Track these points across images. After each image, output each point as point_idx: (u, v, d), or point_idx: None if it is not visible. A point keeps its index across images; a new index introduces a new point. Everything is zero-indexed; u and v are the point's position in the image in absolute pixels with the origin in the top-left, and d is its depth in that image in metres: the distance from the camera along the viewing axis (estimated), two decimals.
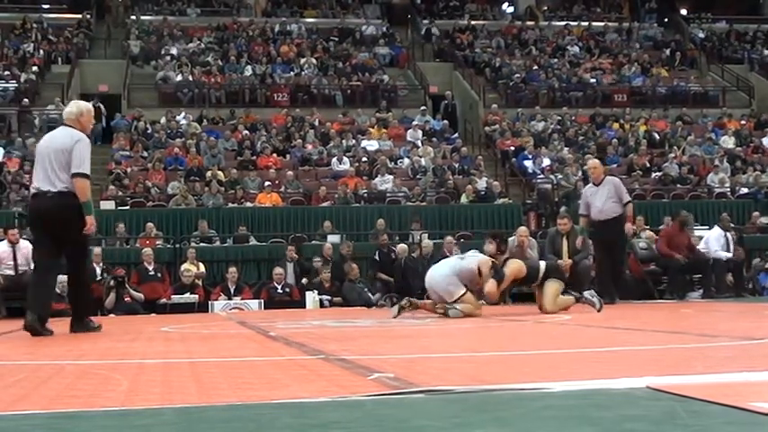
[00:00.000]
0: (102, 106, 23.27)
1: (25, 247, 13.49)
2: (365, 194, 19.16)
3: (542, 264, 9.78)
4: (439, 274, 9.01)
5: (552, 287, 9.33)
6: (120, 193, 18.49)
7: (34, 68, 24.95)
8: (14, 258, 13.16)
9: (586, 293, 9.51)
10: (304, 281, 14.90)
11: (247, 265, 16.11)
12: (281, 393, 2.66)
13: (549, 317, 8.38)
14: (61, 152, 7.05)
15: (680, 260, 13.98)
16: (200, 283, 14.65)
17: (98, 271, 14.45)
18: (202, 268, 15.10)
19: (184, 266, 14.75)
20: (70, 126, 7.33)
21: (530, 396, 2.45)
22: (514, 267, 9.23)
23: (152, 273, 14.62)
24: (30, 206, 7.39)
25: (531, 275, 9.32)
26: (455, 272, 8.91)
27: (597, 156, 21.77)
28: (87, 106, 7.57)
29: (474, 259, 9.07)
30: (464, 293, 8.75)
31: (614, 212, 11.39)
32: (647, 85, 27.33)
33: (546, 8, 33.91)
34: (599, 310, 9.06)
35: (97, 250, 14.95)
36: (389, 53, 28.44)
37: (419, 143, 22.32)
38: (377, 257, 15.40)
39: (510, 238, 14.10)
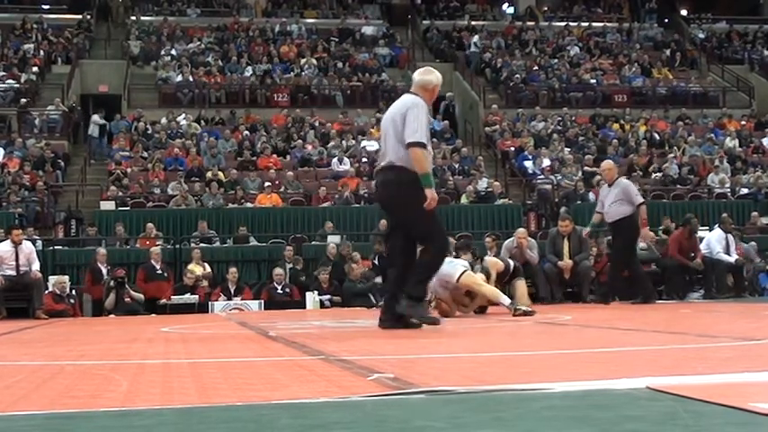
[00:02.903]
0: (105, 122, 23.21)
1: (28, 248, 13.50)
2: (365, 195, 19.16)
3: (511, 262, 10.39)
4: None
5: (523, 285, 9.97)
6: (121, 194, 18.50)
7: (34, 69, 24.95)
8: (16, 259, 13.16)
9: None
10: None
11: (247, 266, 16.11)
12: (281, 394, 2.66)
13: (550, 317, 8.38)
14: (392, 121, 6.25)
15: (698, 266, 14.06)
16: (205, 283, 14.67)
17: (104, 271, 14.46)
18: (208, 269, 15.11)
19: (191, 267, 14.80)
20: (413, 93, 6.44)
21: (530, 396, 2.45)
22: (492, 262, 9.96)
23: (159, 272, 14.66)
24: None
25: (507, 268, 10.03)
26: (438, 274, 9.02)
27: (597, 156, 21.82)
28: (441, 79, 6.65)
29: (458, 269, 9.03)
30: (464, 272, 8.96)
31: (620, 214, 11.36)
32: (648, 86, 27.33)
33: (546, 9, 33.90)
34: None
35: (102, 251, 14.98)
36: (390, 53, 28.43)
37: None
38: (376, 262, 15.37)
39: (509, 239, 14.13)
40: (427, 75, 6.54)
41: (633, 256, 11.90)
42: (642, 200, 11.60)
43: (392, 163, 6.19)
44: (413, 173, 6.11)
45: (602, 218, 11.81)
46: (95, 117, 23.26)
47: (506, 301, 8.94)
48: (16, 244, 13.22)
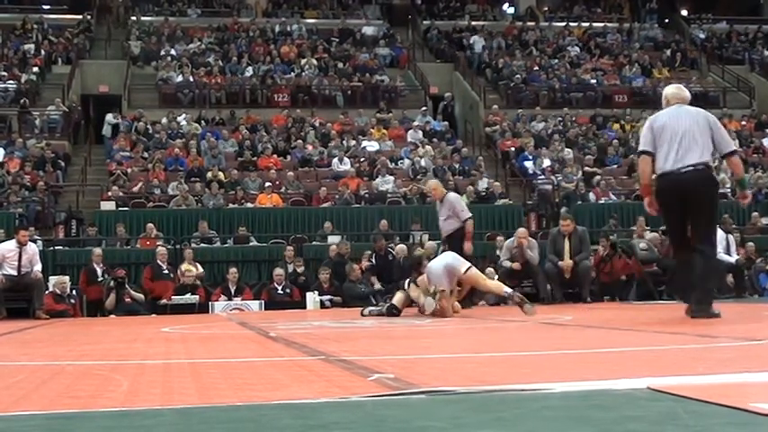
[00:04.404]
0: (118, 121, 23.16)
1: (32, 249, 13.45)
2: (366, 195, 19.16)
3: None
4: (436, 266, 9.39)
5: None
6: (121, 194, 18.51)
7: (35, 69, 24.95)
8: (19, 259, 13.11)
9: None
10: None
11: (248, 266, 16.11)
12: (281, 394, 2.66)
13: (550, 317, 8.37)
14: (697, 125, 6.88)
15: None
16: (199, 283, 14.66)
17: (99, 272, 14.46)
18: (201, 269, 15.10)
19: (183, 266, 14.79)
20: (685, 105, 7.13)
21: (530, 397, 2.45)
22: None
23: (166, 272, 14.68)
24: (662, 185, 6.97)
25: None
26: (447, 266, 9.32)
27: (597, 156, 21.83)
28: None
29: (464, 263, 9.44)
30: (470, 267, 9.31)
31: (451, 228, 11.46)
32: (648, 86, 27.31)
33: (546, 9, 33.91)
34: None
35: (98, 251, 14.98)
36: (390, 54, 28.44)
37: (419, 144, 22.32)
38: (373, 261, 15.34)
39: (509, 239, 14.15)
40: (682, 91, 7.37)
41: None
42: (469, 215, 11.60)
43: (707, 164, 6.87)
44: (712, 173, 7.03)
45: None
46: (109, 117, 23.20)
47: (508, 290, 9.23)
48: (22, 245, 13.19)
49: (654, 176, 6.93)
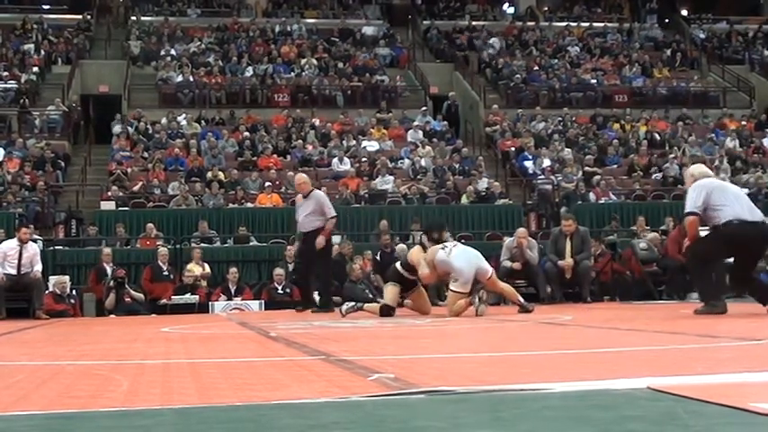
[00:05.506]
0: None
1: (33, 249, 13.42)
2: (366, 195, 19.15)
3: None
4: (467, 268, 9.42)
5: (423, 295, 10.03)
6: (121, 194, 18.51)
7: (35, 69, 24.94)
8: (19, 258, 13.08)
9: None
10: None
11: (248, 266, 16.11)
12: (281, 394, 2.66)
13: (550, 317, 8.37)
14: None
15: None
16: (203, 283, 14.66)
17: (108, 271, 14.45)
18: (207, 269, 15.11)
19: (190, 266, 14.81)
20: None
21: (530, 396, 2.45)
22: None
23: (166, 273, 14.68)
24: (736, 229, 7.58)
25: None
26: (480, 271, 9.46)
27: (597, 156, 21.83)
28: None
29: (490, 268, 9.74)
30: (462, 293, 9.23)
31: (314, 225, 11.32)
32: (648, 86, 27.32)
33: (546, 9, 33.90)
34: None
35: (107, 250, 15.00)
36: (390, 54, 28.44)
37: (419, 144, 22.32)
38: (378, 258, 15.35)
39: (509, 239, 14.17)
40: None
41: (328, 266, 11.87)
42: (335, 214, 11.52)
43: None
44: None
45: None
46: (116, 129, 23.07)
47: (521, 300, 9.82)
48: (22, 243, 13.17)
49: (724, 221, 7.47)
